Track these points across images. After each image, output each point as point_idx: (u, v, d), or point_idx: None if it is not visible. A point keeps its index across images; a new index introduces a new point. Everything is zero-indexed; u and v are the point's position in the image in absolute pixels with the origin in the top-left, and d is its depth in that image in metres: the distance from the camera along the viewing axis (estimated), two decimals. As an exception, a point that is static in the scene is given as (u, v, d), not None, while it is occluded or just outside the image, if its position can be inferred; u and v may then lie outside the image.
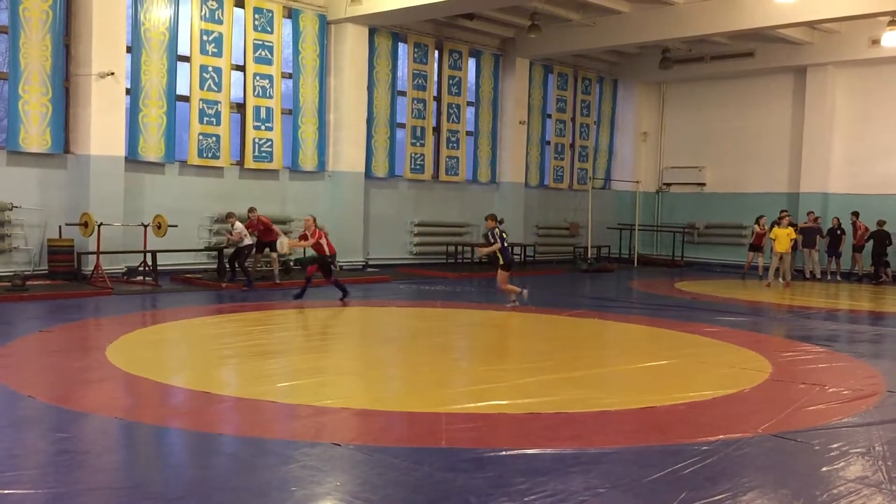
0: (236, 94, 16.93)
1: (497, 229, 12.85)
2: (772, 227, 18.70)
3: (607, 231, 24.59)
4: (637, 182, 24.87)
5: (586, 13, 19.44)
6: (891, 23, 17.69)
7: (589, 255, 22.07)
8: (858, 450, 5.53)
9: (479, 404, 6.49)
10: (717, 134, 24.08)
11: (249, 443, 5.44)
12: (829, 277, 20.10)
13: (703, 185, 24.54)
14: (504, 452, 5.21)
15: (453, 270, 18.90)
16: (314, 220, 13.01)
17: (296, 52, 17.50)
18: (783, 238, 17.46)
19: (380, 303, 13.40)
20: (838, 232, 20.05)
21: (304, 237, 12.95)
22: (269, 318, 11.15)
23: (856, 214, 19.95)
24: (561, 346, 9.76)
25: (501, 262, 12.73)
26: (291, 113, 17.61)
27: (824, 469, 5.12)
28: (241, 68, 16.86)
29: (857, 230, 19.86)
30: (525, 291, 12.63)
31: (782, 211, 19.13)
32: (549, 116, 23.60)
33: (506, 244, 12.78)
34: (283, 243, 13.33)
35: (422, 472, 4.82)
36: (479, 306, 13.23)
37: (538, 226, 23.37)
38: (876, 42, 19.53)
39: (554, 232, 23.89)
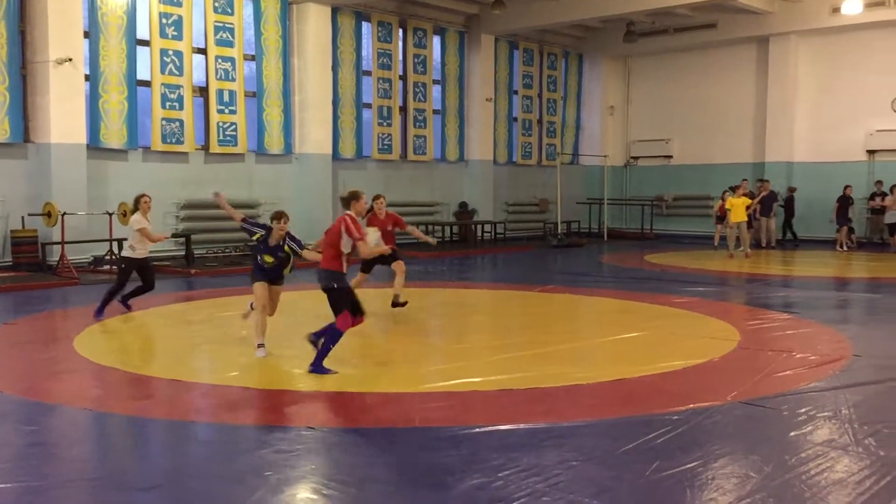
0: (198, 77, 16.69)
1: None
2: (732, 195, 18.78)
3: (577, 206, 24.69)
4: (605, 156, 24.97)
5: (550, -12, 19.39)
6: (851, -9, 17.86)
7: (559, 231, 22.16)
8: (826, 414, 5.63)
9: (452, 382, 6.51)
10: (682, 106, 24.22)
11: (222, 429, 5.42)
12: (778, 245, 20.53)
13: (671, 157, 24.71)
14: (478, 430, 5.23)
15: (424, 250, 18.87)
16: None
17: (258, 33, 17.27)
18: (739, 208, 17.54)
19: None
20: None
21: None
22: (240, 304, 11.06)
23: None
24: (533, 322, 9.80)
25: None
26: (255, 95, 17.40)
27: (793, 434, 5.21)
28: (203, 51, 16.61)
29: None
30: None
31: (743, 180, 19.31)
32: (516, 93, 23.57)
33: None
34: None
35: (396, 452, 4.84)
36: (450, 285, 13.24)
37: (508, 203, 23.41)
38: (837, 10, 19.71)
39: (524, 208, 23.95)
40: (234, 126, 16.98)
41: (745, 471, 4.54)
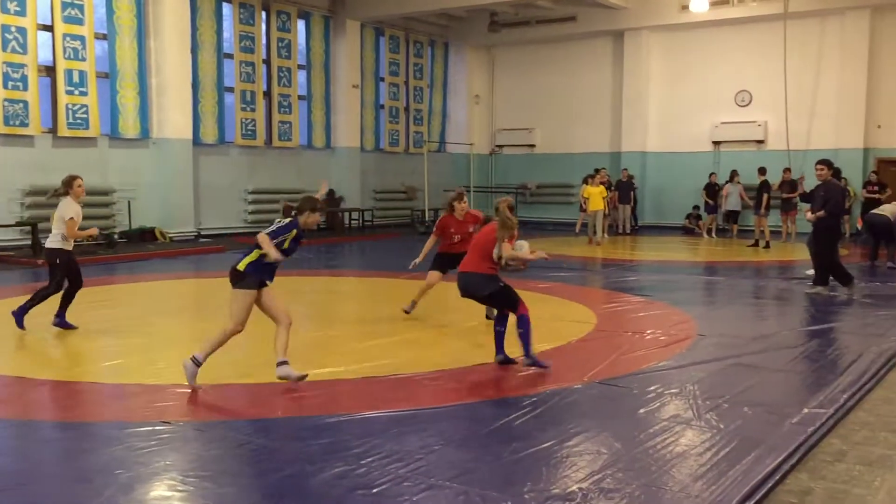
0: (45, 56, 15.70)
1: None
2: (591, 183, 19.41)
3: (444, 193, 24.84)
4: (471, 144, 25.33)
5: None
6: (698, -10, 18.86)
7: (426, 219, 22.32)
8: (672, 391, 5.95)
9: (317, 371, 6.44)
10: (544, 96, 24.88)
11: (71, 428, 5.16)
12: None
13: (534, 146, 25.37)
14: (340, 418, 5.21)
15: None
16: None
17: (110, 11, 16.41)
18: (596, 196, 18.22)
19: (213, 274, 12.95)
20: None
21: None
22: (92, 295, 10.52)
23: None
24: (398, 309, 9.83)
25: None
26: (108, 77, 16.55)
27: (642, 411, 5.48)
28: (49, 28, 15.63)
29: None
30: None
31: (602, 169, 20.07)
32: (383, 80, 23.52)
33: None
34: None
35: (256, 443, 4.75)
36: (317, 273, 13.09)
37: (375, 190, 23.36)
38: (685, 7, 20.82)
39: (391, 196, 23.96)
40: (85, 108, 16.10)
41: (597, 447, 4.74)
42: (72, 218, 7.86)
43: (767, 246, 16.96)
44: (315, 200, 6.05)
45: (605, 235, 18.84)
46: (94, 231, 8.63)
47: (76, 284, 8.12)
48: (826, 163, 10.96)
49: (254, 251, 5.86)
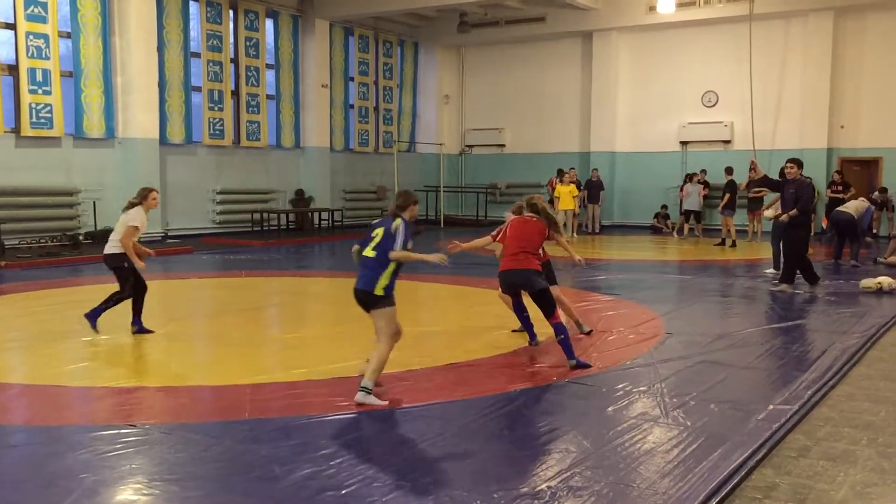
0: (7, 54, 15.45)
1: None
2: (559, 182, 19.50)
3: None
4: (441, 144, 25.34)
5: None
6: (665, -9, 19.04)
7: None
8: (641, 389, 6.00)
9: (285, 373, 6.41)
10: (514, 97, 24.95)
11: (34, 432, 5.07)
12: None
13: (503, 146, 25.43)
14: (310, 419, 5.19)
15: (259, 238, 18.47)
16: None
17: (74, 9, 16.16)
18: (566, 195, 18.29)
19: (181, 275, 12.84)
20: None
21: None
22: (57, 296, 10.38)
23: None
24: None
25: None
26: (72, 76, 16.31)
27: (610, 409, 5.52)
28: (12, 26, 15.37)
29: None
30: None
31: (571, 168, 20.22)
32: (352, 80, 23.43)
33: None
34: None
35: (224, 445, 4.71)
36: (287, 274, 13.01)
37: (345, 190, 23.27)
38: (653, 9, 20.99)
39: (361, 196, 23.88)
40: (48, 108, 15.85)
41: (566, 445, 4.76)
42: (136, 226, 7.75)
43: (734, 245, 17.17)
44: (412, 194, 6.07)
45: (575, 235, 18.94)
46: (150, 252, 8.30)
47: (141, 289, 8.00)
48: (796, 161, 11.08)
49: (385, 271, 5.69)
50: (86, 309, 7.94)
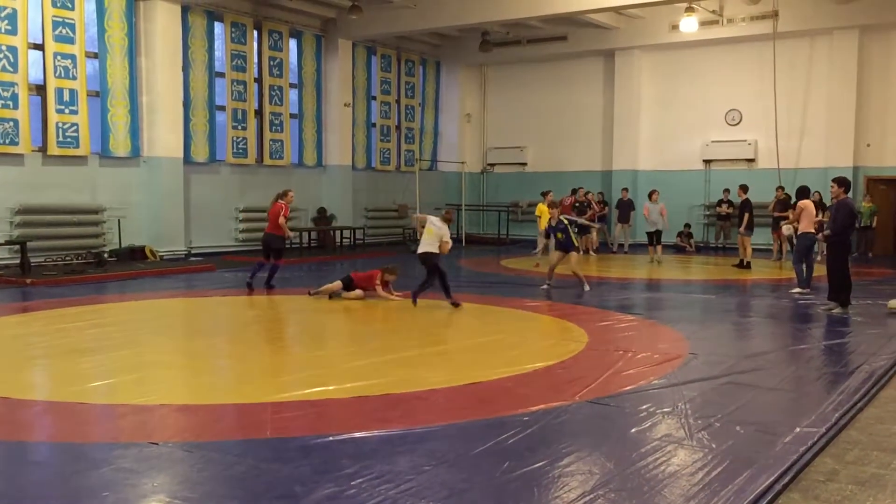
0: (35, 75, 15.70)
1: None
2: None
3: (435, 212, 24.88)
4: (462, 163, 25.39)
5: (407, -5, 19.53)
6: (688, 9, 19.05)
7: (418, 237, 22.26)
8: (664, 409, 5.93)
9: (307, 391, 6.40)
10: (536, 115, 24.98)
11: (59, 449, 5.10)
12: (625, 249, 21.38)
13: (525, 164, 25.44)
14: (331, 438, 5.17)
15: (287, 257, 18.51)
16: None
17: (101, 30, 16.43)
18: (547, 215, 17.68)
19: (204, 293, 12.92)
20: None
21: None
22: (82, 314, 10.48)
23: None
24: (391, 328, 9.82)
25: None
26: (99, 95, 16.55)
27: (634, 430, 5.45)
28: (40, 47, 15.63)
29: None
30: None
31: (580, 188, 20.38)
32: (374, 98, 23.59)
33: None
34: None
35: (245, 464, 4.70)
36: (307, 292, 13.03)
37: (367, 208, 23.36)
38: (675, 27, 20.94)
39: (383, 214, 23.96)
40: (75, 127, 16.07)
41: (588, 467, 4.71)
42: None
43: (749, 266, 16.71)
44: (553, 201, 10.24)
45: (592, 253, 18.84)
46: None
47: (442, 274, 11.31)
48: (838, 181, 10.83)
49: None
50: (108, 327, 8.00)
